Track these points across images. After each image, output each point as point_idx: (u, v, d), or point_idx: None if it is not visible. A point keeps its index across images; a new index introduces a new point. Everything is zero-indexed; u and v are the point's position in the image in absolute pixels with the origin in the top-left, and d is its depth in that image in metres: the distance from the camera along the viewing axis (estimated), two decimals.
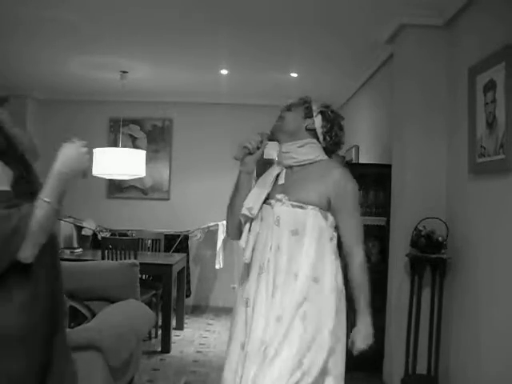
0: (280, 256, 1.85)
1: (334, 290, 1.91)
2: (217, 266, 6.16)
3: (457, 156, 3.36)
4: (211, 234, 6.29)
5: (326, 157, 2.00)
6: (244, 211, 1.91)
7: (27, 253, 1.46)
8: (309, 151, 1.96)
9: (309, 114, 1.99)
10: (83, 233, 6.11)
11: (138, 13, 3.80)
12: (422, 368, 3.41)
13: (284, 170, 1.98)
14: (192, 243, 6.35)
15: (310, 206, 1.87)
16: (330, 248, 1.91)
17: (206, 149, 6.44)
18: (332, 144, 2.02)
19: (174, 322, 5.06)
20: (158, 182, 6.61)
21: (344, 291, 2.00)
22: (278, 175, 1.99)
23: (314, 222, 1.87)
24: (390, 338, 3.74)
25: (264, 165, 2.08)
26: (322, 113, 1.99)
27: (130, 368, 3.08)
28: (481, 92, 2.97)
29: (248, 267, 1.95)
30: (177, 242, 6.02)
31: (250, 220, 1.92)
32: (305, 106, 2.00)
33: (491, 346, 2.80)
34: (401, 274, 3.57)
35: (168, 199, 6.59)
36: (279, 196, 1.90)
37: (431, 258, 3.30)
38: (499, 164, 2.75)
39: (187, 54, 4.84)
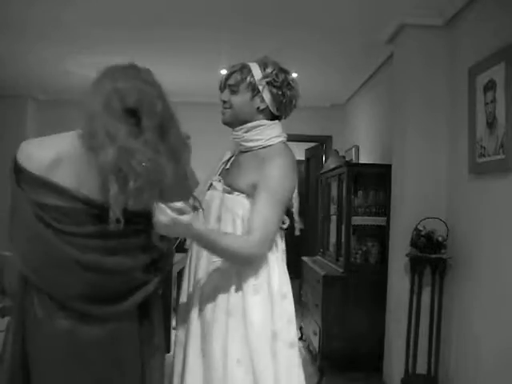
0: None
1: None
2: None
3: (457, 156, 3.36)
4: None
5: (279, 139, 1.78)
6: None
7: None
8: (255, 136, 1.76)
9: (255, 91, 1.75)
10: None
11: (137, 13, 3.80)
12: (422, 368, 3.41)
13: (234, 156, 1.86)
14: (192, 243, 6.34)
15: (237, 193, 1.72)
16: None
17: (206, 149, 6.42)
18: (287, 109, 1.81)
19: (173, 322, 5.06)
20: None
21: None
22: (228, 161, 1.89)
23: (236, 210, 1.71)
24: (390, 338, 3.74)
25: None
26: (268, 84, 1.74)
27: None
28: (481, 92, 2.97)
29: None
30: (177, 242, 6.00)
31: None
32: (247, 82, 1.74)
33: (491, 345, 2.80)
34: (401, 274, 3.57)
35: None
36: (215, 178, 1.82)
37: (431, 257, 3.29)
38: (499, 164, 2.75)
39: (187, 54, 4.84)
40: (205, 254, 1.80)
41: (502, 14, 2.81)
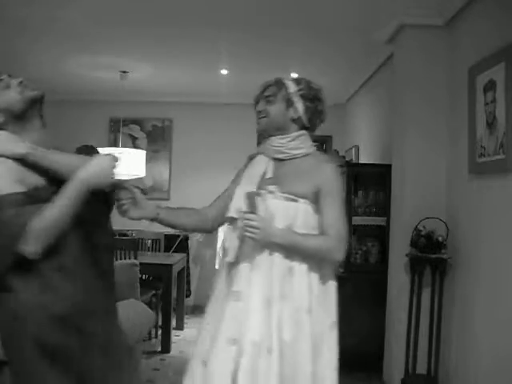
0: (274, 251, 1.77)
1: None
2: (217, 266, 6.13)
3: (457, 156, 3.36)
4: (211, 233, 6.28)
5: (314, 148, 1.94)
6: (231, 213, 1.84)
7: (30, 248, 1.47)
8: (299, 145, 1.89)
9: (290, 103, 1.89)
10: None
11: (138, 13, 3.80)
12: (422, 368, 3.41)
13: (271, 163, 1.89)
14: (192, 243, 6.35)
15: (302, 200, 1.81)
16: None
17: (205, 149, 6.43)
18: (318, 122, 2.00)
19: (173, 322, 5.06)
20: (158, 182, 6.61)
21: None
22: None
23: (305, 217, 1.81)
24: (390, 338, 3.74)
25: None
26: (301, 96, 1.90)
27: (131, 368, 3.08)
28: (481, 92, 2.97)
29: (231, 265, 1.86)
30: (177, 242, 6.01)
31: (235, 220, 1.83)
32: (283, 94, 1.89)
33: (491, 345, 2.80)
34: (401, 274, 3.57)
35: (168, 199, 6.59)
36: (272, 188, 1.83)
37: (431, 257, 3.29)
38: (499, 164, 2.75)
39: (187, 54, 4.84)
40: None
41: (501, 14, 2.81)
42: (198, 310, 6.30)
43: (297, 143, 1.89)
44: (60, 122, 6.52)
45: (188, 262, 5.95)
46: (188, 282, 5.99)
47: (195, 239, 6.35)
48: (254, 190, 1.82)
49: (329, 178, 1.84)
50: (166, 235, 5.93)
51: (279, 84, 1.91)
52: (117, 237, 5.35)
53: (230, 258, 1.82)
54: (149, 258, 4.98)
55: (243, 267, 1.80)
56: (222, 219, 1.96)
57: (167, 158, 6.62)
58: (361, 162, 5.37)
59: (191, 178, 6.51)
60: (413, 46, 3.64)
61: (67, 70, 5.33)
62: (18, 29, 4.17)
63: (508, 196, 2.69)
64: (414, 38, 3.62)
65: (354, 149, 5.58)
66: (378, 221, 4.16)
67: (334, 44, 4.34)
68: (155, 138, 6.63)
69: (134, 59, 4.99)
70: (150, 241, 5.79)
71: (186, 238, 6.18)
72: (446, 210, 3.47)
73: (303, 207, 1.81)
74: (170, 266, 4.57)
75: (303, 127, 1.93)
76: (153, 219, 1.90)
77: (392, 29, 3.76)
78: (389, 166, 3.95)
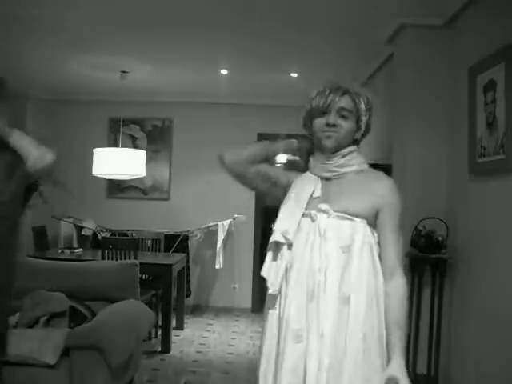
0: (330, 278, 1.57)
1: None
2: (217, 266, 6.16)
3: (457, 156, 3.36)
4: (211, 233, 6.29)
5: (367, 165, 1.73)
6: (277, 237, 1.63)
7: None
8: (350, 162, 1.69)
9: (359, 121, 1.70)
10: (83, 233, 6.11)
11: (138, 13, 3.80)
12: (422, 368, 3.41)
13: (319, 182, 1.70)
14: (192, 243, 6.35)
15: (358, 219, 1.60)
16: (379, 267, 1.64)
17: (206, 149, 6.43)
18: (362, 139, 1.77)
19: (174, 322, 5.06)
20: (158, 182, 6.61)
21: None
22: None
23: (363, 237, 1.60)
24: None
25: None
26: (368, 115, 1.72)
27: (130, 368, 3.08)
28: (481, 92, 2.97)
29: (277, 296, 1.64)
30: (177, 242, 6.01)
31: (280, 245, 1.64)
32: (356, 111, 1.68)
33: (491, 345, 2.80)
34: None
35: (168, 199, 6.59)
36: (323, 206, 1.62)
37: (431, 257, 3.30)
38: (499, 164, 2.75)
39: (187, 54, 4.84)
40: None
41: (501, 14, 2.81)
42: (198, 310, 6.31)
43: (347, 159, 1.69)
44: (60, 121, 6.53)
45: (188, 262, 5.95)
46: (188, 282, 6.00)
47: (195, 239, 6.35)
48: (302, 211, 1.65)
49: (389, 197, 1.64)
50: (166, 235, 5.93)
51: (356, 98, 1.68)
52: (117, 237, 5.36)
53: (275, 289, 1.62)
54: (149, 258, 4.98)
55: (298, 298, 1.59)
56: (257, 178, 1.78)
57: (167, 158, 6.62)
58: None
59: (191, 178, 6.52)
60: (413, 46, 3.64)
61: (67, 70, 5.33)
62: (18, 28, 4.17)
63: (508, 196, 2.69)
64: (414, 38, 3.62)
65: None
66: None
67: (333, 44, 4.33)
68: (155, 137, 6.63)
69: (134, 59, 4.99)
70: (149, 241, 5.79)
71: (186, 238, 6.18)
72: (446, 210, 3.47)
73: (360, 226, 1.60)
74: (170, 265, 4.57)
75: (354, 142, 1.72)
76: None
77: (392, 29, 3.76)
78: (389, 166, 3.95)
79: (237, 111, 6.42)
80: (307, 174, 1.74)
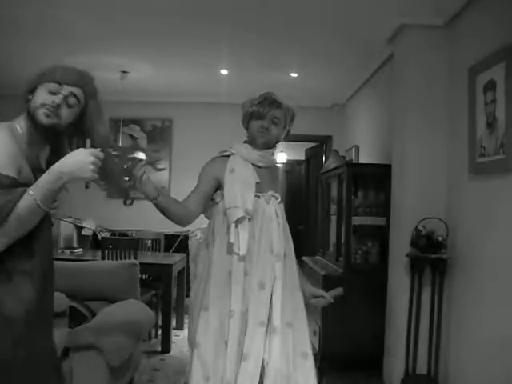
0: (287, 245, 2.21)
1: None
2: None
3: (457, 156, 3.36)
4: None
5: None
6: (239, 213, 2.07)
7: None
8: (275, 157, 2.35)
9: (285, 129, 2.26)
10: (83, 233, 6.11)
11: (138, 13, 3.80)
12: (422, 368, 3.41)
13: (253, 169, 2.21)
14: (192, 243, 6.34)
15: (282, 202, 2.25)
16: None
17: (206, 149, 6.38)
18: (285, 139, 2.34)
19: (173, 322, 5.06)
20: (158, 182, 6.61)
21: None
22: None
23: (284, 215, 2.24)
24: (390, 338, 3.74)
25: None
26: (291, 124, 2.28)
27: (130, 368, 3.08)
28: (481, 92, 2.97)
29: (241, 257, 2.09)
30: (177, 242, 6.01)
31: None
32: (285, 120, 2.23)
33: (491, 345, 2.80)
34: (401, 274, 3.57)
35: None
36: (276, 194, 2.21)
37: (431, 258, 3.29)
38: (499, 164, 2.75)
39: (187, 54, 4.84)
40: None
41: (501, 14, 2.81)
42: None
43: (274, 156, 2.33)
44: None
45: (188, 262, 5.94)
46: (188, 282, 5.99)
47: (195, 239, 6.34)
48: (253, 192, 2.13)
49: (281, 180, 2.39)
50: (165, 235, 5.93)
51: (285, 111, 2.22)
52: (117, 237, 5.36)
53: (242, 253, 2.06)
54: (149, 257, 4.98)
55: (263, 259, 2.11)
56: (198, 214, 2.27)
57: (167, 158, 6.61)
58: (361, 161, 5.37)
59: (191, 178, 6.48)
60: (413, 46, 3.64)
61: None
62: (18, 28, 4.17)
63: (508, 196, 2.69)
64: (414, 38, 3.62)
65: (353, 149, 5.58)
66: (378, 221, 4.15)
67: (333, 44, 4.34)
68: (155, 137, 6.63)
69: (134, 59, 4.99)
70: (149, 241, 5.80)
71: (186, 238, 6.18)
72: (446, 210, 3.47)
73: (282, 206, 2.25)
74: (170, 265, 4.57)
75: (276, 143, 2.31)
76: (153, 199, 1.98)
77: (392, 29, 3.76)
78: (389, 166, 3.95)
79: (237, 111, 6.39)
80: (241, 160, 2.20)
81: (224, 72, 5.36)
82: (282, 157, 8.28)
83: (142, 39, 4.41)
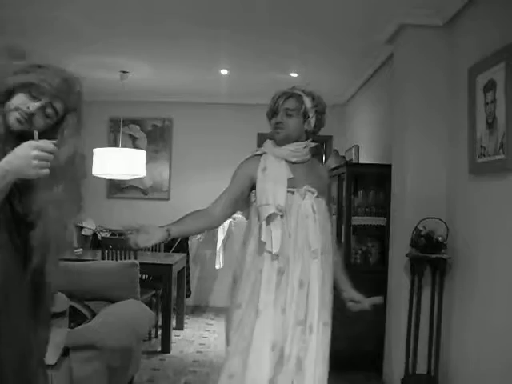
0: (326, 242, 2.14)
1: None
2: (217, 266, 6.16)
3: (457, 156, 3.36)
4: (211, 234, 6.29)
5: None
6: (270, 209, 2.02)
7: None
8: (308, 151, 2.22)
9: (306, 117, 2.15)
10: (83, 233, 6.11)
11: (137, 13, 3.80)
12: (422, 368, 3.41)
13: (287, 165, 2.14)
14: (192, 243, 6.35)
15: (321, 197, 2.15)
16: None
17: (206, 149, 6.44)
18: (319, 131, 2.28)
19: (174, 322, 5.06)
20: (158, 182, 6.61)
21: None
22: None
23: (325, 210, 2.17)
24: (390, 338, 3.74)
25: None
26: (316, 111, 2.17)
27: (130, 368, 3.08)
28: (481, 92, 2.97)
29: (274, 256, 2.04)
30: (177, 242, 6.01)
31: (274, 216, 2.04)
32: (302, 110, 2.14)
33: (491, 345, 2.80)
34: (401, 274, 3.57)
35: (168, 199, 6.59)
36: (312, 189, 2.12)
37: (431, 258, 3.29)
38: (499, 164, 2.75)
39: (187, 54, 4.84)
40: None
41: (501, 14, 2.81)
42: (198, 310, 6.31)
43: (307, 150, 2.21)
44: None
45: (188, 262, 5.95)
46: (188, 282, 6.00)
47: (195, 239, 6.35)
48: (285, 188, 2.07)
49: (327, 178, 2.33)
50: None
51: (299, 99, 2.13)
52: (117, 237, 5.36)
53: (276, 251, 2.01)
54: (149, 257, 4.98)
55: (304, 257, 2.06)
56: (228, 216, 2.19)
57: (167, 158, 6.62)
58: (361, 162, 5.37)
59: (191, 178, 6.52)
60: (413, 46, 3.64)
61: (67, 70, 5.32)
62: (18, 29, 4.17)
63: (508, 196, 2.69)
64: (414, 37, 3.62)
65: (353, 149, 5.58)
66: (378, 221, 4.16)
67: (333, 44, 4.34)
68: (155, 137, 6.62)
69: (134, 59, 4.99)
70: None
71: (186, 238, 6.18)
72: (446, 210, 3.47)
73: (324, 202, 2.17)
74: (170, 265, 4.57)
75: (309, 136, 2.23)
76: (167, 239, 2.00)
77: (392, 29, 3.76)
78: (389, 166, 3.95)
79: (237, 111, 6.42)
80: (273, 158, 2.14)
81: (224, 72, 5.36)
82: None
83: (142, 39, 4.41)
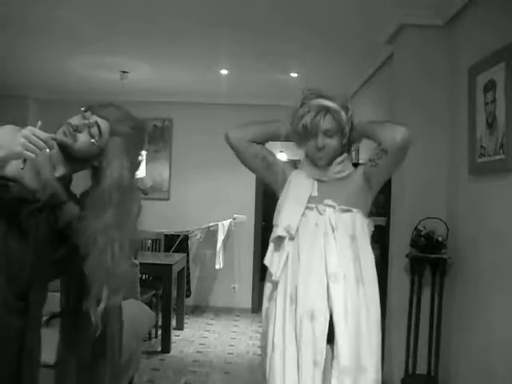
0: (356, 265, 1.87)
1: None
2: (217, 266, 6.16)
3: (457, 156, 3.36)
4: (211, 234, 6.29)
5: (353, 169, 2.00)
6: (280, 232, 1.84)
7: None
8: (344, 168, 1.96)
9: (344, 132, 1.90)
10: None
11: (137, 13, 3.80)
12: (422, 368, 3.41)
13: (316, 184, 1.93)
14: (192, 243, 6.35)
15: (355, 209, 1.88)
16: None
17: (205, 149, 6.43)
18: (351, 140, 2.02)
19: (174, 322, 5.06)
20: (158, 182, 6.61)
21: None
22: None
23: (362, 225, 1.90)
24: (390, 338, 3.74)
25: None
26: (349, 123, 1.93)
27: (130, 368, 3.08)
28: (481, 92, 2.97)
29: (280, 284, 1.86)
30: (177, 242, 6.01)
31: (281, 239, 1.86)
32: (339, 126, 1.87)
33: (491, 345, 2.80)
34: (401, 274, 3.57)
35: (168, 199, 6.59)
36: (329, 202, 1.87)
37: (431, 258, 3.29)
38: (499, 164, 2.75)
39: (187, 54, 4.84)
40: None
41: (501, 14, 2.81)
42: (198, 310, 6.31)
43: (343, 166, 1.95)
44: (60, 121, 6.51)
45: (188, 262, 5.95)
46: (188, 282, 6.00)
47: (195, 239, 6.35)
48: (303, 209, 1.86)
49: (359, 169, 1.99)
50: (165, 235, 5.93)
51: (335, 114, 1.85)
52: None
53: (276, 277, 1.85)
54: (149, 257, 4.98)
55: (311, 284, 1.81)
56: (253, 148, 1.98)
57: (167, 158, 6.62)
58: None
59: (191, 177, 6.51)
60: (413, 46, 3.64)
61: (67, 70, 5.33)
62: (18, 29, 4.17)
63: (508, 196, 2.69)
64: (414, 37, 3.62)
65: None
66: (378, 221, 4.15)
67: (334, 44, 4.33)
68: (155, 138, 6.62)
69: (133, 59, 4.99)
70: (150, 241, 5.80)
71: (186, 238, 6.18)
72: (446, 210, 3.47)
73: (358, 215, 1.89)
74: (170, 265, 4.57)
75: (344, 149, 1.97)
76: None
77: (392, 29, 3.76)
78: None
79: (237, 111, 6.41)
80: (302, 173, 1.96)
81: (224, 72, 5.36)
82: (282, 157, 8.28)
83: (142, 39, 4.41)
